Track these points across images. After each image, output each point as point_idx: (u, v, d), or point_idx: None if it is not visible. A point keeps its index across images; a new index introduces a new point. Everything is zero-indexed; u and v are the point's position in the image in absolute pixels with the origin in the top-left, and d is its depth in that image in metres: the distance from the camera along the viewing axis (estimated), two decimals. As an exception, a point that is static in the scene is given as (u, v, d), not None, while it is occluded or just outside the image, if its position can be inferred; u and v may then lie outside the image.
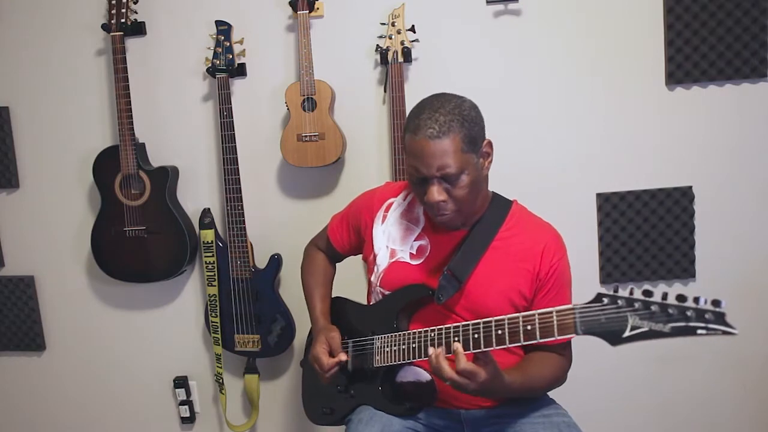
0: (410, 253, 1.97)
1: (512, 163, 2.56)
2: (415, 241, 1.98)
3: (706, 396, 2.84)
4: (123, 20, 2.72)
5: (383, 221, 2.04)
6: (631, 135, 2.71)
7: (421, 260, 1.96)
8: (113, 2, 2.72)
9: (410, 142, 1.78)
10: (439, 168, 1.74)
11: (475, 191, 1.83)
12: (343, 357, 1.95)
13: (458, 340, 1.72)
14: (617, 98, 2.70)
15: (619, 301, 1.48)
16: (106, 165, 2.80)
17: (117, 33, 2.71)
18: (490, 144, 1.86)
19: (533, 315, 1.63)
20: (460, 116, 1.76)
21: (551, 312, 1.60)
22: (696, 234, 2.73)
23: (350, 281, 2.37)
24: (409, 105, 2.51)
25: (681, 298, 1.41)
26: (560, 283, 1.91)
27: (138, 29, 2.81)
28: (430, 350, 1.69)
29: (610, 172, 2.74)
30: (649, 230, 2.74)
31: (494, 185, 1.96)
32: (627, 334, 1.47)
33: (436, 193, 1.77)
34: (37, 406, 3.20)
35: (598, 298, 1.52)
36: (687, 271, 2.75)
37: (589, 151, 2.73)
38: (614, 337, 1.49)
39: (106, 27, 2.73)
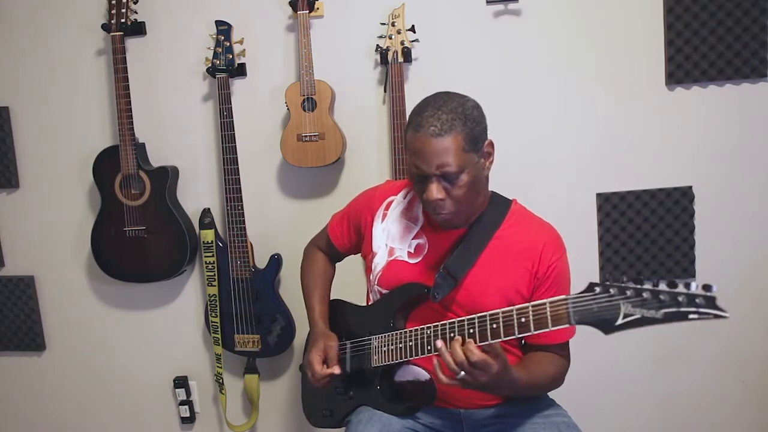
0: (408, 251, 1.97)
1: (512, 163, 2.56)
2: (413, 239, 1.98)
3: (706, 396, 2.84)
4: (123, 20, 2.72)
5: (383, 219, 2.04)
6: (631, 135, 2.71)
7: (419, 259, 1.96)
8: (113, 2, 2.72)
9: (412, 139, 1.77)
10: (439, 166, 1.74)
11: (474, 191, 1.83)
12: (336, 370, 1.95)
13: (454, 336, 1.72)
14: (617, 98, 2.69)
15: (611, 290, 1.48)
16: (106, 165, 2.80)
17: (117, 33, 2.71)
18: (491, 144, 1.86)
19: (527, 307, 1.62)
20: (463, 115, 1.75)
21: (544, 303, 1.59)
22: (696, 234, 2.73)
23: (350, 283, 2.37)
24: (409, 105, 2.52)
25: (672, 284, 1.40)
26: (559, 282, 1.91)
27: (138, 29, 2.82)
28: (438, 343, 1.68)
29: (610, 172, 2.74)
30: (649, 230, 2.74)
31: (494, 185, 1.96)
32: (620, 321, 1.46)
33: (435, 191, 1.76)
34: (37, 406, 3.21)
35: (591, 287, 1.51)
36: (687, 271, 2.75)
37: (589, 151, 2.73)
38: (607, 326, 1.48)
39: (106, 27, 2.73)
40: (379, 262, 2.00)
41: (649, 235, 2.74)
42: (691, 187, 2.71)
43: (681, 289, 1.40)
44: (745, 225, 2.73)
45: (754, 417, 2.84)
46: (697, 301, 1.38)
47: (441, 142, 1.73)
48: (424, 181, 1.79)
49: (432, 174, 1.75)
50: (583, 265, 2.72)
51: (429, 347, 1.80)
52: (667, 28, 2.62)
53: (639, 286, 1.44)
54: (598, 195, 2.75)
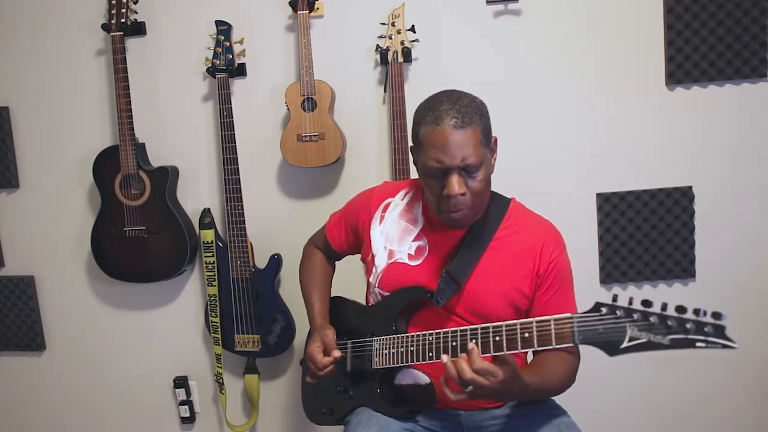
0: (408, 254, 1.97)
1: (512, 163, 2.55)
2: (413, 241, 1.97)
3: (706, 396, 2.84)
4: (123, 20, 2.72)
5: (381, 222, 2.03)
6: (631, 135, 2.71)
7: (420, 261, 1.95)
8: (113, 2, 2.72)
9: (430, 132, 1.76)
10: (463, 159, 1.73)
11: (487, 187, 1.84)
12: (337, 354, 1.94)
13: (456, 345, 1.72)
14: (617, 98, 2.69)
15: (618, 312, 1.48)
16: (106, 165, 2.80)
17: (117, 33, 2.71)
18: (496, 141, 1.87)
19: (531, 323, 1.62)
20: (478, 109, 1.77)
21: (549, 320, 1.59)
22: (696, 234, 2.73)
23: (350, 282, 2.37)
24: (409, 105, 2.53)
25: (681, 309, 1.40)
26: (561, 279, 1.91)
27: (138, 29, 2.81)
28: (444, 357, 1.65)
29: (610, 172, 2.74)
30: (649, 230, 2.74)
31: (495, 185, 1.95)
32: (625, 345, 1.46)
33: (457, 185, 1.75)
34: (37, 406, 3.20)
35: (597, 307, 1.51)
36: (687, 271, 2.75)
37: (589, 151, 2.73)
38: (612, 348, 1.48)
39: (106, 27, 2.73)
40: (379, 264, 2.00)
41: (649, 235, 2.74)
42: (691, 187, 2.71)
43: (690, 315, 1.39)
44: (745, 225, 2.74)
45: (754, 417, 2.85)
46: (706, 329, 1.37)
47: (463, 134, 1.72)
48: (443, 176, 1.77)
49: (455, 167, 1.74)
50: (583, 265, 2.72)
51: (431, 354, 1.80)
52: (667, 28, 2.62)
53: (646, 310, 1.44)
54: (598, 195, 2.75)
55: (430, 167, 1.78)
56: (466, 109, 1.74)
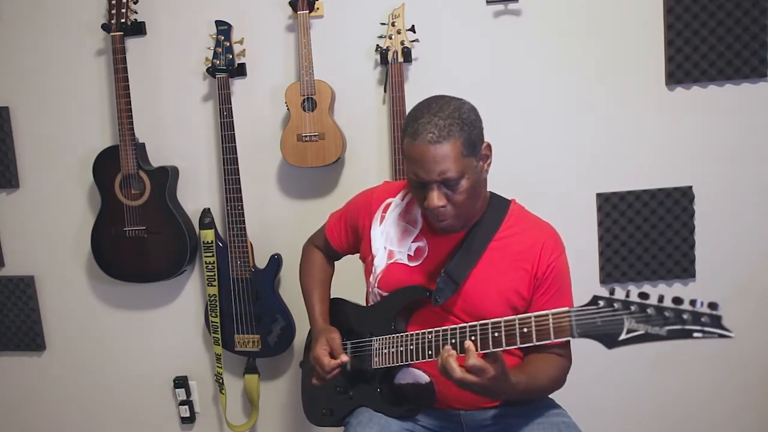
0: (408, 254, 1.97)
1: (512, 163, 2.56)
2: (413, 242, 1.97)
3: (706, 396, 2.84)
4: (123, 20, 2.72)
5: (381, 222, 2.03)
6: (631, 135, 2.71)
7: (419, 262, 1.95)
8: (113, 2, 2.72)
9: (409, 146, 1.76)
10: (440, 173, 1.72)
11: (474, 195, 1.82)
12: (344, 358, 1.94)
13: (455, 342, 1.72)
14: (617, 98, 2.69)
15: (615, 304, 1.48)
16: (106, 165, 2.80)
17: (117, 33, 2.71)
18: (489, 147, 1.85)
19: (529, 318, 1.63)
20: (460, 120, 1.74)
21: (547, 315, 1.60)
22: (696, 234, 2.73)
23: (350, 282, 2.37)
24: (409, 105, 2.51)
25: (677, 300, 1.40)
26: (559, 281, 1.90)
27: (138, 29, 2.81)
28: (445, 351, 1.66)
29: (610, 172, 2.74)
30: (649, 230, 2.74)
31: (494, 186, 1.96)
32: (623, 337, 1.47)
33: (436, 198, 1.75)
34: (37, 406, 3.20)
35: (594, 300, 1.52)
36: (687, 271, 2.75)
37: (589, 151, 2.73)
38: (610, 340, 1.49)
39: (106, 27, 2.73)
40: (379, 264, 2.00)
41: (649, 235, 2.74)
42: (691, 187, 2.71)
43: (686, 306, 1.40)
44: (745, 225, 2.74)
45: (754, 417, 2.85)
46: (703, 319, 1.38)
47: (440, 149, 1.71)
48: (423, 189, 1.78)
49: (433, 181, 1.74)
50: (583, 265, 2.73)
51: (430, 352, 1.81)
52: (667, 28, 2.62)
53: (643, 302, 1.45)
54: (598, 195, 2.75)
55: (411, 179, 1.80)
56: (446, 121, 1.72)
